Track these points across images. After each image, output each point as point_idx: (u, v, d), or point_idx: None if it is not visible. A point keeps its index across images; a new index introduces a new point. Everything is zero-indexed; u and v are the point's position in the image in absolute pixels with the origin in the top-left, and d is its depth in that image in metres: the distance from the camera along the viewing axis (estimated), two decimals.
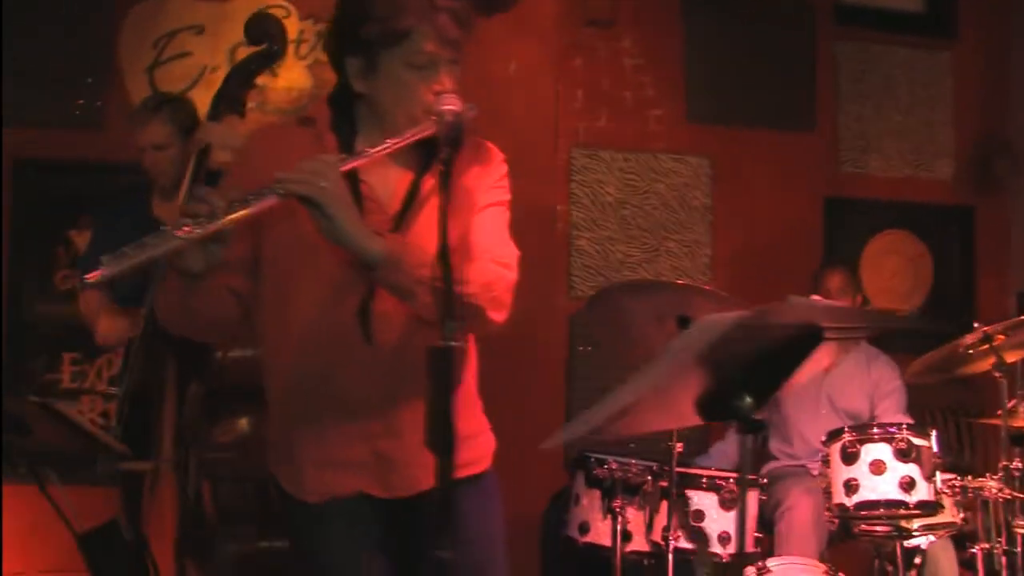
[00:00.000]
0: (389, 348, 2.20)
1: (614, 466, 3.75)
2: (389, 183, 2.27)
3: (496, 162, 2.40)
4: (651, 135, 5.21)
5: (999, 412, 3.64)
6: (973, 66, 5.68)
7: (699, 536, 3.38)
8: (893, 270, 5.55)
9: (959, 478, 3.60)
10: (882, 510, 3.41)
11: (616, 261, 5.12)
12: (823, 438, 3.63)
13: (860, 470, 3.42)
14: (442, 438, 1.88)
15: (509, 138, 4.95)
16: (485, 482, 2.36)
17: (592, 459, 3.81)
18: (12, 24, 4.69)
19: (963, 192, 5.66)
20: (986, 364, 3.70)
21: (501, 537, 2.41)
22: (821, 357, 1.92)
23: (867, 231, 5.52)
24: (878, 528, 3.62)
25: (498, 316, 2.22)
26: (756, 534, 3.76)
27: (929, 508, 3.41)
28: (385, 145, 2.16)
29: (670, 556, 3.51)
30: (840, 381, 4.52)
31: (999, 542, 3.49)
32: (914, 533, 3.60)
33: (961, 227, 5.66)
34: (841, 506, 3.46)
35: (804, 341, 2.05)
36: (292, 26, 4.88)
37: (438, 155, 2.05)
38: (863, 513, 3.44)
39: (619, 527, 3.68)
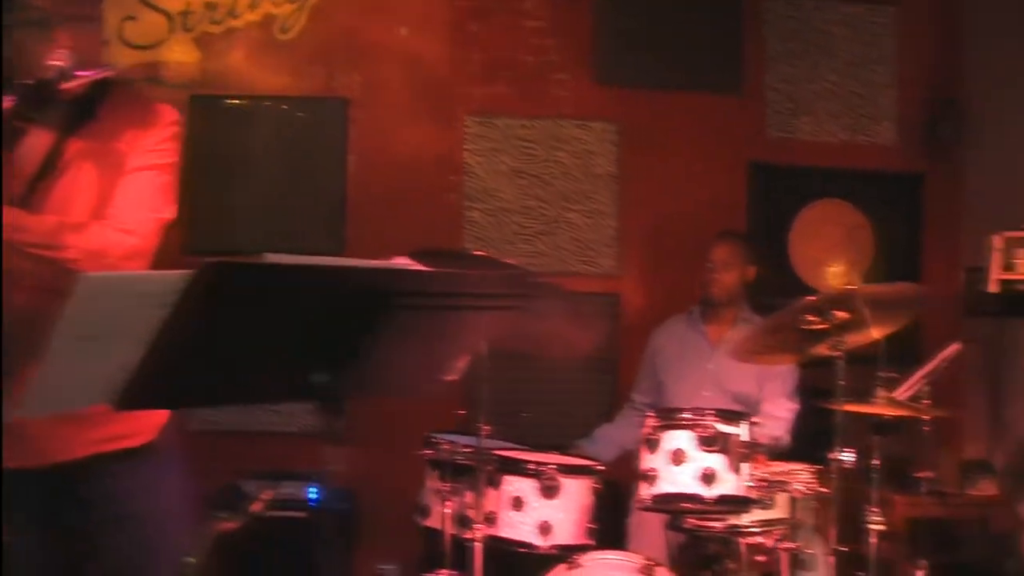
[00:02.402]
0: (16, 313, 2.12)
1: (444, 446, 3.55)
2: (30, 146, 2.19)
3: (161, 124, 2.33)
4: (554, 100, 4.94)
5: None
6: (920, 23, 5.27)
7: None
8: (827, 242, 5.18)
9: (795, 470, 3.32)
10: (685, 504, 3.13)
11: (511, 233, 4.89)
12: None
13: (660, 460, 3.14)
14: None
15: (400, 107, 4.88)
16: (146, 456, 2.30)
17: (432, 439, 3.63)
18: None
19: (909, 158, 5.26)
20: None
21: (170, 514, 2.36)
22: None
23: (798, 200, 5.16)
24: (712, 524, 3.35)
25: None
26: (590, 525, 3.52)
27: (736, 504, 3.13)
28: None
29: (476, 545, 3.30)
30: (727, 360, 4.23)
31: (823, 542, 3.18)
32: (748, 529, 3.32)
33: (907, 196, 5.27)
34: (640, 499, 3.20)
35: (370, 306, 1.84)
36: None
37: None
38: (661, 507, 3.17)
39: (446, 511, 3.49)
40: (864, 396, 3.54)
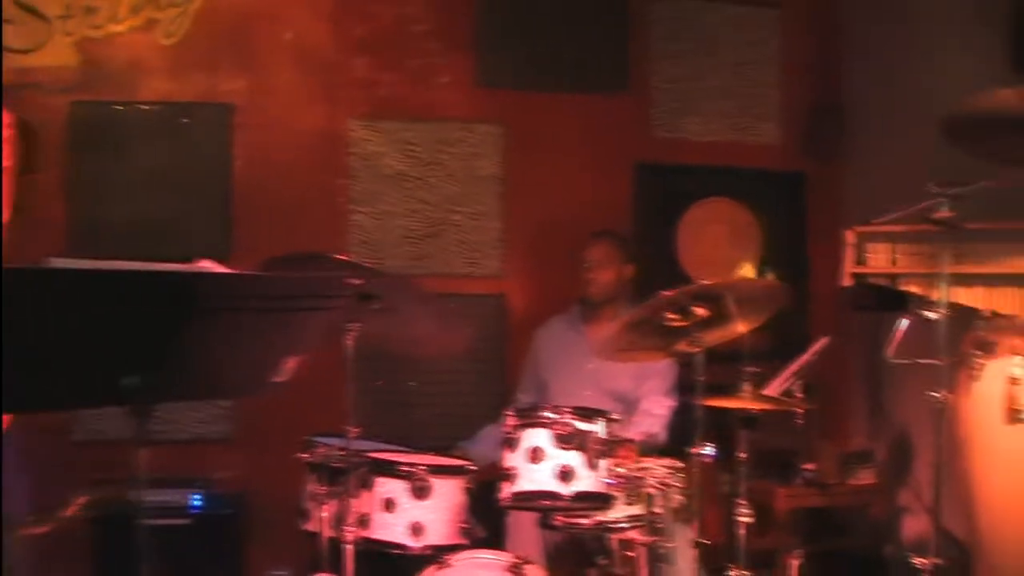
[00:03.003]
0: None
1: (321, 450, 3.54)
2: None
3: None
4: (438, 103, 4.96)
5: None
6: (802, 25, 5.38)
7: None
8: (715, 240, 5.25)
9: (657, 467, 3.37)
10: (543, 501, 3.16)
11: (397, 236, 4.90)
12: None
13: (519, 458, 3.17)
14: None
15: (285, 111, 4.86)
16: None
17: (311, 442, 3.61)
18: None
19: (792, 158, 5.36)
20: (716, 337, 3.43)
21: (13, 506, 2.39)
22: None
23: (685, 199, 5.23)
24: (582, 521, 3.38)
25: None
26: (462, 525, 3.54)
27: (593, 500, 3.16)
28: None
29: (348, 547, 3.30)
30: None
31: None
32: (618, 525, 3.35)
33: (791, 195, 5.37)
34: (502, 497, 3.23)
35: (176, 310, 1.85)
36: (58, 1, 4.71)
37: None
38: (520, 505, 3.21)
39: (323, 514, 3.48)
40: (736, 391, 3.62)
